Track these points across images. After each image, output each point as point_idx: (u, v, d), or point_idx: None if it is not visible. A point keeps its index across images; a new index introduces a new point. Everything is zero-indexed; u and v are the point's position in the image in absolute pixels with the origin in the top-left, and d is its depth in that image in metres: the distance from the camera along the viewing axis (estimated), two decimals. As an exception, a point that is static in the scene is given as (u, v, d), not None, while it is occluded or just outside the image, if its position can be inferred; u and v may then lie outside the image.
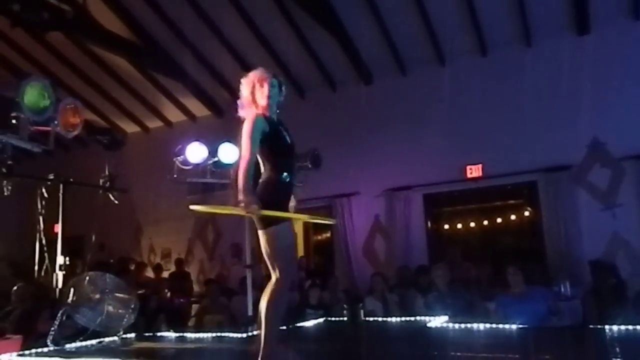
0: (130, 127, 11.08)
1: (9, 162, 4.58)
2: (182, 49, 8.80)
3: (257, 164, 3.21)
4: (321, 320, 6.03)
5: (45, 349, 4.43)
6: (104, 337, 4.90)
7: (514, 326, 4.71)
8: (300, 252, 9.87)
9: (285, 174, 3.19)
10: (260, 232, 3.11)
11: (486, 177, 7.90)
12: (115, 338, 4.98)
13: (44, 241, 5.30)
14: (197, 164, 5.82)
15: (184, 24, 8.44)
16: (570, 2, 7.29)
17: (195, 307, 7.74)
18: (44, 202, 5.19)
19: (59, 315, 4.66)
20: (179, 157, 5.76)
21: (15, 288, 5.95)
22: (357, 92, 8.85)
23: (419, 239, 8.35)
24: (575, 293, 6.01)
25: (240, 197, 2.94)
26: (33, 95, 4.36)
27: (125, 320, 5.00)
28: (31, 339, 4.82)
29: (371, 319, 5.83)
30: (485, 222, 8.47)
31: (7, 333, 5.08)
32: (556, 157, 7.43)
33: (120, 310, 4.98)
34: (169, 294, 8.30)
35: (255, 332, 3.26)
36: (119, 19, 8.51)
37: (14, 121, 4.33)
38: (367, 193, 8.69)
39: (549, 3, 7.39)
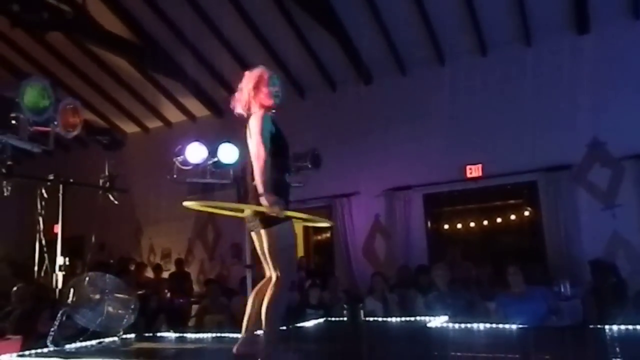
0: (130, 127, 11.08)
1: (9, 163, 4.58)
2: (181, 49, 8.81)
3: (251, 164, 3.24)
4: (321, 320, 6.02)
5: (45, 350, 4.42)
6: (104, 337, 4.89)
7: (514, 326, 4.71)
8: (301, 252, 9.87)
9: (287, 174, 3.22)
10: (262, 232, 3.11)
11: (486, 177, 7.90)
12: (115, 338, 4.97)
13: (43, 241, 5.29)
14: (197, 164, 5.81)
15: (183, 24, 8.44)
16: (570, 2, 7.29)
17: (195, 307, 7.74)
18: (43, 203, 5.18)
19: (58, 315, 4.65)
20: (178, 158, 5.76)
21: (15, 288, 5.95)
22: (357, 92, 8.86)
23: (419, 239, 8.35)
24: (576, 293, 6.01)
25: (263, 196, 2.95)
26: (33, 95, 4.36)
27: (125, 320, 4.99)
28: (31, 340, 4.82)
29: (371, 319, 5.82)
30: (485, 222, 8.47)
31: (7, 333, 5.08)
32: (556, 157, 7.43)
33: (120, 311, 4.97)
34: (169, 294, 8.30)
35: (256, 332, 3.25)
36: (119, 19, 8.52)
37: (13, 121, 4.32)
38: (367, 193, 8.69)
39: (549, 3, 7.39)
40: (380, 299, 6.43)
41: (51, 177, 5.22)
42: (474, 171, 7.97)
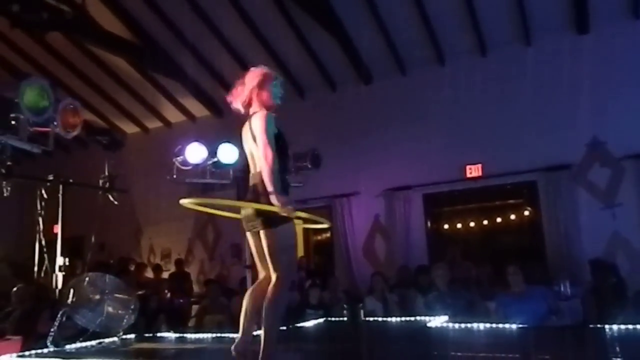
0: (129, 128, 11.07)
1: (9, 163, 4.58)
2: (181, 49, 8.81)
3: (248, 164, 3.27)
4: (321, 320, 6.03)
5: (45, 350, 4.42)
6: (104, 337, 4.89)
7: (514, 326, 4.71)
8: (301, 252, 9.86)
9: (287, 174, 3.23)
10: (263, 232, 3.08)
11: (486, 177, 7.90)
12: (115, 339, 4.98)
13: (43, 242, 5.29)
14: (197, 165, 5.82)
15: (183, 24, 8.44)
16: (570, 2, 7.28)
17: (195, 307, 7.74)
18: (43, 203, 5.18)
19: (58, 316, 4.65)
20: (178, 158, 5.76)
21: (15, 289, 5.95)
22: (356, 92, 8.85)
23: (419, 239, 8.35)
24: (575, 292, 6.01)
25: (274, 196, 2.94)
26: (32, 95, 4.36)
27: (125, 320, 4.99)
28: (31, 340, 4.82)
29: (371, 318, 5.83)
30: (485, 222, 8.47)
31: (7, 334, 5.08)
32: (556, 157, 7.43)
33: (120, 311, 4.98)
34: (169, 295, 8.29)
35: (255, 333, 3.25)
36: (118, 19, 8.51)
37: (13, 122, 4.32)
38: (367, 193, 8.69)
39: (549, 2, 7.39)
40: (380, 299, 6.43)
41: (51, 177, 5.22)
42: (473, 171, 7.97)
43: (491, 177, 7.85)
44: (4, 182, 4.65)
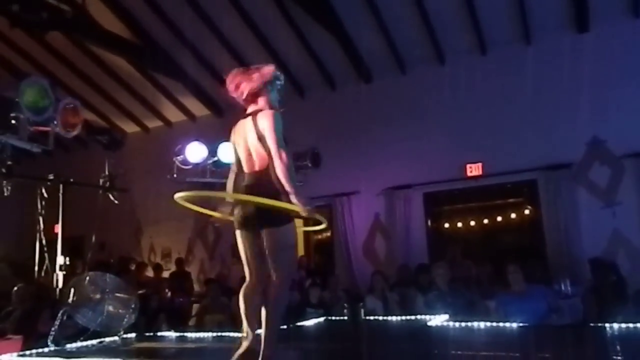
0: (129, 127, 11.07)
1: (9, 163, 4.59)
2: (181, 49, 8.80)
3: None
4: (322, 319, 6.03)
5: (46, 349, 4.43)
6: (104, 337, 4.90)
7: (514, 324, 4.72)
8: (301, 251, 9.86)
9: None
10: (269, 230, 3.03)
11: (486, 176, 7.89)
12: (116, 338, 4.98)
13: (44, 241, 5.30)
14: (197, 164, 5.84)
15: (183, 24, 8.43)
16: (569, 0, 7.28)
17: (195, 306, 7.74)
18: (43, 202, 5.19)
19: (59, 315, 4.66)
20: (178, 157, 5.78)
21: (15, 288, 5.96)
22: (356, 91, 8.85)
23: (419, 238, 8.34)
24: (576, 291, 6.02)
25: (294, 196, 2.91)
26: (32, 95, 4.37)
27: (125, 320, 5.00)
28: (32, 339, 4.82)
29: (372, 317, 5.83)
30: (486, 221, 8.47)
31: (8, 333, 5.09)
32: (556, 155, 7.43)
33: (120, 310, 4.98)
34: (169, 294, 8.30)
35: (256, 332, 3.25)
36: (118, 18, 8.51)
37: (13, 121, 4.33)
38: (367, 192, 8.68)
39: (549, 1, 7.38)
40: (381, 298, 6.43)
41: (51, 177, 5.23)
42: (474, 170, 7.97)
43: (491, 175, 7.85)
44: (5, 182, 4.66)
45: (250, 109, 3.20)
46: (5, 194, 4.68)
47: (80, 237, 7.95)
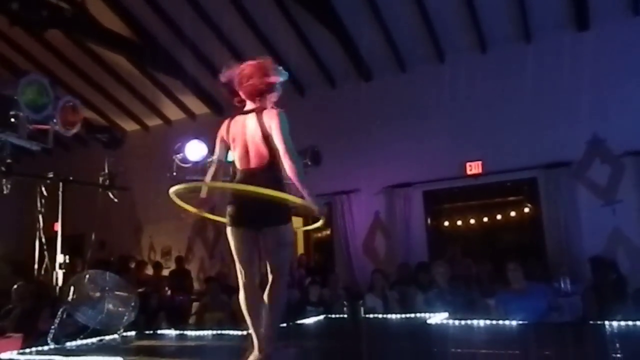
0: (129, 125, 11.07)
1: (9, 161, 4.59)
2: (181, 47, 8.79)
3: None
4: (321, 317, 6.03)
5: (46, 347, 4.43)
6: (104, 335, 4.90)
7: (514, 322, 4.72)
8: (301, 249, 9.89)
9: None
10: (276, 228, 3.00)
11: (486, 174, 7.89)
12: (116, 336, 4.98)
13: (43, 240, 5.31)
14: (197, 162, 5.82)
15: (183, 22, 8.42)
16: (569, -2, 7.28)
17: (195, 304, 7.74)
18: (43, 201, 5.20)
19: (59, 313, 4.67)
20: (178, 155, 5.77)
21: (15, 287, 5.96)
22: (356, 89, 8.85)
23: (419, 236, 8.35)
24: (576, 289, 6.01)
25: (308, 195, 2.87)
26: (32, 93, 4.37)
27: (125, 318, 5.00)
28: (32, 338, 4.83)
29: (371, 315, 5.84)
30: (486, 219, 8.47)
31: (8, 331, 5.09)
32: (556, 154, 7.43)
33: (120, 308, 4.99)
34: (169, 292, 8.30)
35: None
36: (118, 17, 8.50)
37: (13, 119, 4.33)
38: (367, 190, 8.68)
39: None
40: (381, 296, 6.43)
41: (51, 175, 5.24)
42: (473, 168, 7.97)
43: (491, 174, 7.85)
44: (4, 180, 4.66)
45: (252, 105, 3.11)
46: (5, 192, 4.69)
47: (80, 236, 7.96)
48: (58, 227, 5.18)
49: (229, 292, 7.24)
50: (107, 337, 4.91)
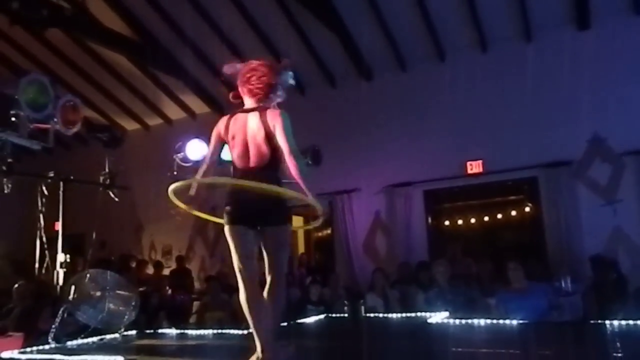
0: (130, 125, 11.07)
1: (9, 160, 4.59)
2: (181, 46, 8.78)
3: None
4: (322, 316, 6.04)
5: (47, 347, 4.43)
6: (105, 334, 4.90)
7: (514, 322, 4.72)
8: (301, 248, 9.90)
9: None
10: (279, 228, 3.00)
11: (486, 173, 7.89)
12: (117, 335, 4.99)
13: (44, 239, 5.30)
14: (198, 161, 5.81)
15: (183, 21, 8.42)
16: (570, -3, 7.27)
17: (196, 304, 7.75)
18: (44, 200, 5.19)
19: (60, 312, 4.67)
20: (179, 154, 5.77)
21: (16, 286, 5.97)
22: (357, 88, 8.84)
23: (420, 235, 8.34)
24: (576, 288, 6.00)
25: (313, 197, 2.84)
26: (32, 92, 4.37)
27: (126, 317, 5.01)
28: (32, 337, 4.84)
29: (372, 315, 5.84)
30: (486, 218, 8.48)
31: (9, 331, 5.10)
32: (556, 153, 7.42)
33: (121, 308, 4.99)
34: (170, 291, 8.31)
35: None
36: (119, 16, 8.50)
37: (13, 119, 4.33)
38: (368, 189, 8.68)
39: (549, -2, 7.37)
40: (381, 295, 6.44)
41: (51, 174, 5.23)
42: (474, 167, 7.96)
43: (492, 173, 7.84)
44: (5, 179, 4.66)
45: (255, 103, 3.08)
46: (6, 192, 4.69)
47: (81, 235, 7.96)
48: (59, 226, 5.17)
49: (230, 291, 7.24)
50: (108, 336, 4.91)
